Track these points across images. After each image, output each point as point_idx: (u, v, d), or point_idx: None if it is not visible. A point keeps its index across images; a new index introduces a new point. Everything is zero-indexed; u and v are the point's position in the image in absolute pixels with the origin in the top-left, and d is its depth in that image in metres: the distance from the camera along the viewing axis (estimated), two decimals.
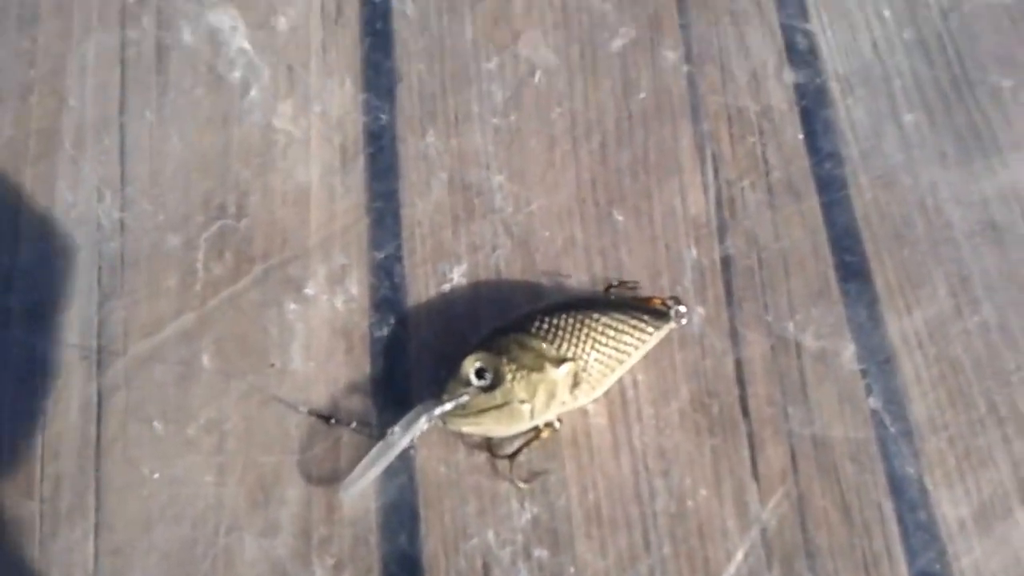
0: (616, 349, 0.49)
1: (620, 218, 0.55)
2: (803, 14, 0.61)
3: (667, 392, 0.51)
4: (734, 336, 0.52)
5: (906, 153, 0.57)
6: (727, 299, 0.53)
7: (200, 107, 0.57)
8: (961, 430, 0.50)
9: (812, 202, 0.56)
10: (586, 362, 0.48)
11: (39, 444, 0.48)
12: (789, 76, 0.59)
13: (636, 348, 0.50)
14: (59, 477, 0.48)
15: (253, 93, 0.57)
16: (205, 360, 0.50)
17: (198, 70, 0.58)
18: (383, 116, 0.57)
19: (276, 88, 0.58)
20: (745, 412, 0.50)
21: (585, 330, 0.49)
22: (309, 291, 0.52)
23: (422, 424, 0.46)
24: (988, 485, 0.49)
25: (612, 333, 0.49)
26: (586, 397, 0.49)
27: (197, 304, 0.51)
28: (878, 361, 0.51)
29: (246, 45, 0.59)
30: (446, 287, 0.53)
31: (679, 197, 0.56)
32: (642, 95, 0.58)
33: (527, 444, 0.49)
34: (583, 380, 0.48)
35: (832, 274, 0.54)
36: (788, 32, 0.61)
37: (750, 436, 0.50)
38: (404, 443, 0.47)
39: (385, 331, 0.51)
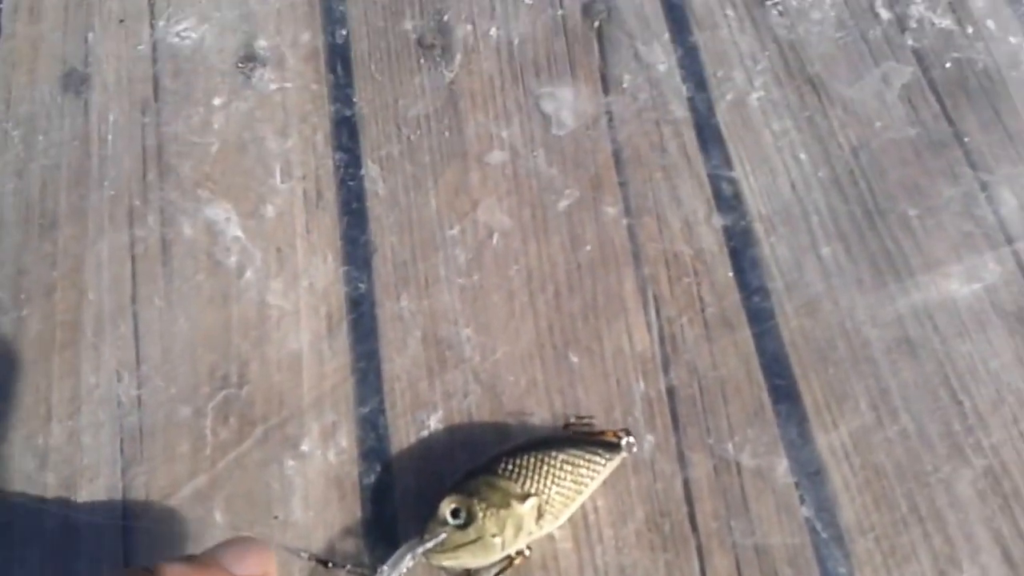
0: (574, 482, 0.58)
1: (575, 359, 0.64)
2: (727, 163, 0.72)
3: (624, 514, 0.59)
4: (681, 459, 0.61)
5: (826, 282, 0.67)
6: (673, 426, 0.62)
7: (202, 290, 0.67)
8: (886, 530, 0.58)
9: (744, 333, 0.65)
10: (548, 495, 0.57)
11: None
12: (718, 220, 0.69)
13: (592, 479, 0.59)
14: None
15: (248, 274, 0.67)
16: (217, 516, 0.59)
17: (199, 258, 0.68)
18: (362, 285, 0.67)
19: (268, 268, 0.68)
20: (694, 527, 0.59)
21: (545, 468, 0.58)
22: (305, 447, 0.61)
23: (407, 561, 0.55)
24: None
25: (570, 468, 0.58)
26: (550, 526, 0.57)
27: (208, 466, 0.61)
28: (809, 473, 0.60)
29: (239, 233, 0.69)
30: (424, 433, 0.62)
31: (626, 336, 0.65)
32: (588, 247, 0.68)
33: (502, 572, 0.57)
34: (547, 511, 0.57)
35: (765, 397, 0.63)
36: (715, 181, 0.71)
37: (699, 549, 0.58)
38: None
39: (373, 478, 0.60)
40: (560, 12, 0.79)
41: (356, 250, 0.69)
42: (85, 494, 0.60)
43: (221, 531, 0.59)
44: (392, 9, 0.79)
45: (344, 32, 0.77)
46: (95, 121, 0.74)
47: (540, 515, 0.57)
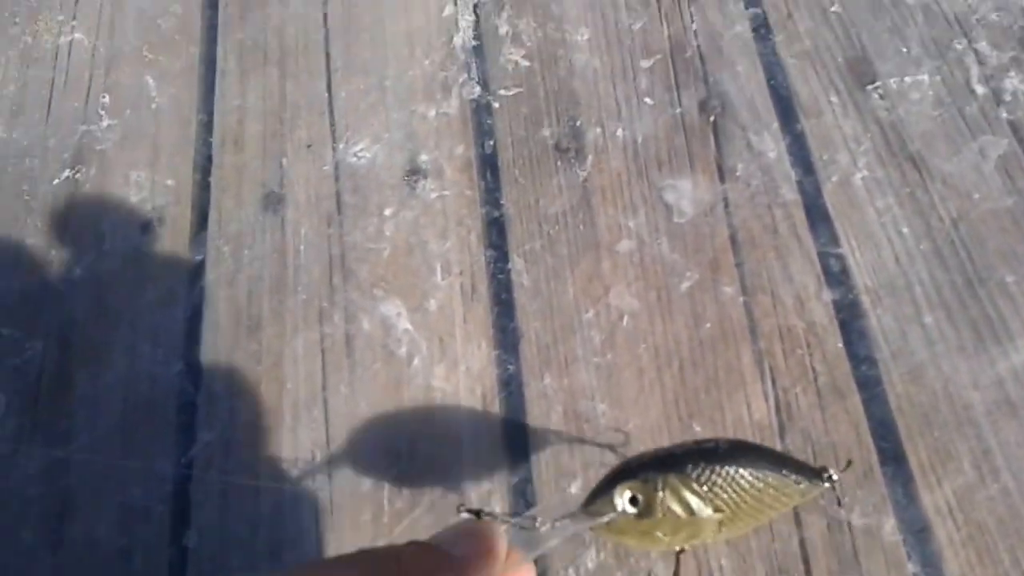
0: (768, 506, 0.51)
1: (699, 429, 0.67)
2: (835, 241, 0.73)
3: (746, 573, 0.62)
4: (797, 520, 0.63)
5: (930, 349, 0.68)
6: None
7: (379, 378, 0.74)
8: None
9: (854, 400, 0.67)
10: (733, 515, 0.50)
11: None
12: (827, 295, 0.71)
13: (784, 506, 0.52)
14: None
15: (416, 362, 0.74)
16: None
17: (375, 350, 0.75)
18: (511, 367, 0.72)
19: (432, 356, 0.74)
20: None
21: (739, 489, 0.50)
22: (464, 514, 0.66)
23: (568, 528, 0.49)
24: None
25: (764, 496, 0.51)
26: (722, 538, 0.52)
27: (386, 532, 0.67)
28: (915, 531, 0.61)
29: (408, 326, 0.75)
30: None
31: (745, 406, 0.68)
32: (708, 325, 0.72)
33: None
34: (724, 530, 0.51)
35: (874, 460, 0.65)
36: (823, 258, 0.73)
37: None
38: (553, 543, 0.48)
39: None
40: (679, 110, 0.82)
41: (506, 336, 0.74)
42: (288, 559, 0.67)
43: None
44: (532, 119, 0.84)
45: (492, 143, 0.83)
46: (290, 235, 0.81)
47: (718, 530, 0.51)
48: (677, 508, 0.50)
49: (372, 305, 0.77)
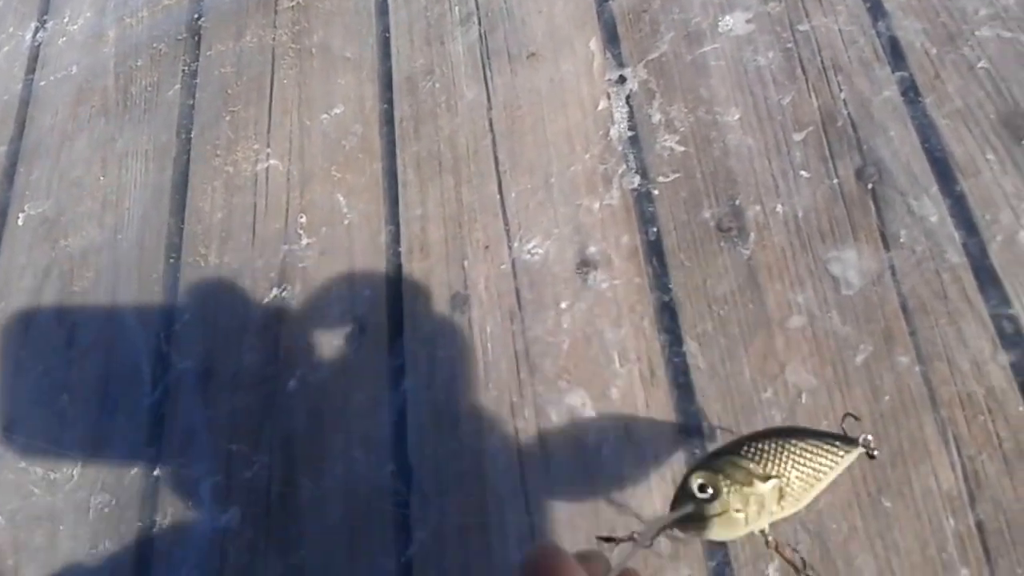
0: (814, 469, 0.58)
1: (888, 504, 0.68)
2: (1006, 301, 0.73)
3: None
4: None
5: None
6: (986, 558, 0.65)
7: (572, 467, 0.77)
8: None
9: None
10: (788, 479, 0.57)
11: None
12: (1003, 358, 0.71)
13: (830, 468, 0.58)
14: None
15: (604, 451, 0.77)
16: None
17: (566, 440, 0.79)
18: (696, 451, 0.75)
19: (619, 443, 0.77)
20: None
21: (786, 453, 0.58)
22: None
23: (657, 529, 0.55)
24: None
25: (809, 456, 0.58)
26: (790, 509, 0.58)
27: None
28: None
29: (594, 415, 0.79)
30: None
31: (933, 477, 0.69)
32: (887, 397, 0.72)
33: (790, 562, 0.61)
34: (787, 494, 0.57)
35: None
36: (996, 320, 0.73)
37: None
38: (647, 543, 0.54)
39: None
40: (836, 180, 0.83)
41: (688, 420, 0.76)
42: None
43: None
44: (692, 202, 0.87)
45: (655, 229, 0.86)
46: (477, 333, 0.86)
47: (781, 496, 0.57)
48: (740, 480, 0.55)
49: (558, 398, 0.81)
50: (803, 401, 0.73)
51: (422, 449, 0.82)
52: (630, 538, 0.56)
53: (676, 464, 0.74)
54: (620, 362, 0.80)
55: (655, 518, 0.59)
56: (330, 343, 0.90)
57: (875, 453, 0.61)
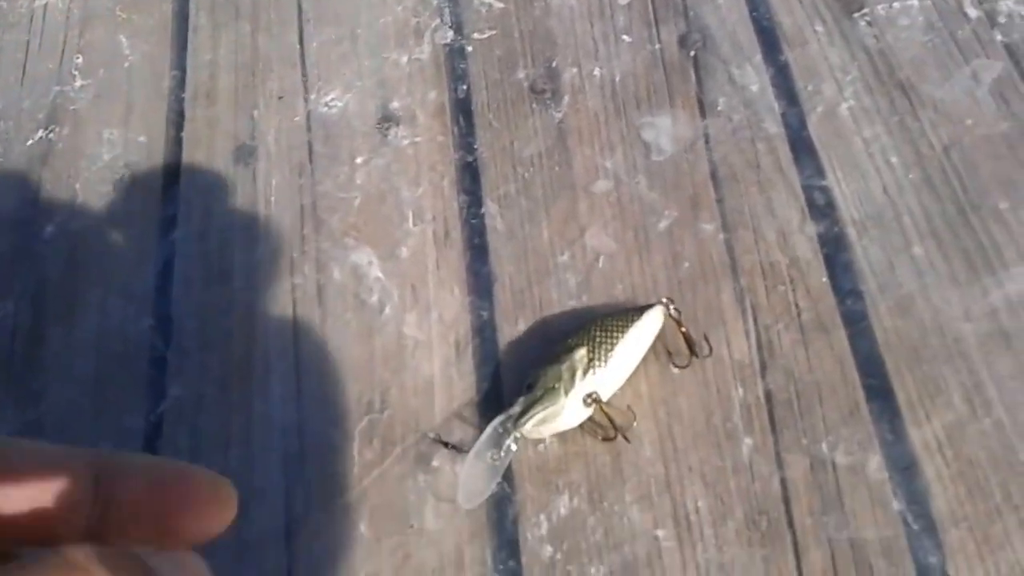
0: (613, 330, 0.62)
1: (676, 371, 0.63)
2: (820, 173, 0.69)
3: (724, 514, 0.58)
4: (778, 460, 0.59)
5: (919, 281, 0.63)
6: (771, 429, 0.60)
7: (350, 327, 0.69)
8: (980, 519, 0.54)
9: (839, 335, 0.62)
10: (592, 345, 0.61)
11: None
12: (811, 228, 0.67)
13: (627, 329, 0.62)
14: None
15: (387, 310, 0.69)
16: (362, 527, 0.61)
17: (347, 299, 0.71)
18: (484, 313, 0.68)
19: (404, 304, 0.70)
20: (790, 524, 0.57)
21: (588, 327, 0.63)
22: (436, 463, 0.63)
23: (507, 441, 0.59)
24: (1006, 566, 0.52)
25: (607, 324, 0.62)
26: (602, 371, 0.61)
27: (355, 483, 0.63)
28: (901, 468, 0.57)
29: (380, 274, 0.71)
30: (540, 447, 0.62)
31: (725, 345, 0.63)
32: (687, 264, 0.67)
33: (610, 420, 0.61)
34: (594, 358, 0.61)
35: (859, 396, 0.60)
36: (808, 191, 0.68)
37: (795, 544, 0.56)
38: (506, 462, 0.59)
39: (495, 488, 0.61)
40: (658, 46, 0.77)
41: (479, 281, 0.70)
42: (256, 514, 0.63)
43: (366, 540, 0.60)
44: (507, 62, 0.79)
45: (465, 87, 0.78)
46: (261, 187, 0.77)
47: (589, 360, 0.61)
48: (552, 361, 0.62)
49: (343, 254, 0.73)
50: (600, 265, 0.67)
51: (186, 302, 0.72)
52: (467, 451, 0.61)
53: (461, 327, 0.66)
54: (414, 221, 0.73)
55: (488, 427, 0.59)
56: (96, 189, 0.80)
57: (673, 309, 0.63)
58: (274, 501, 0.63)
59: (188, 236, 0.76)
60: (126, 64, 0.87)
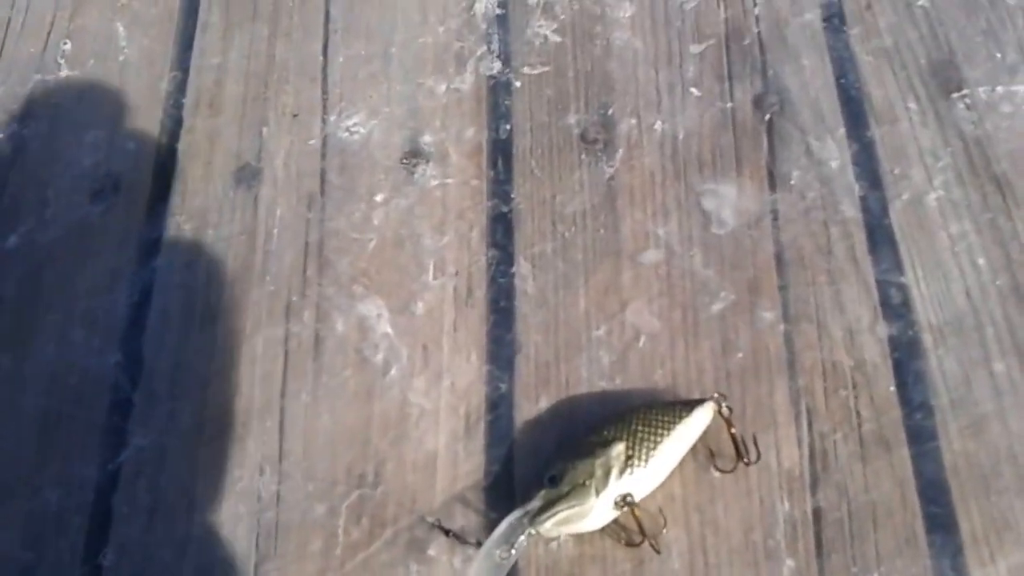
0: (657, 428, 0.66)
1: (717, 474, 0.69)
2: (898, 267, 0.75)
3: None
4: None
5: (996, 401, 0.69)
6: (817, 551, 0.66)
7: (348, 386, 0.76)
8: None
9: (902, 453, 0.68)
10: (632, 441, 0.66)
11: None
12: (883, 329, 0.73)
13: (673, 426, 0.66)
14: None
15: (393, 372, 0.76)
16: None
17: (348, 354, 0.77)
18: (502, 385, 0.74)
19: (412, 366, 0.76)
20: None
21: (628, 418, 0.67)
22: (432, 552, 0.68)
23: (519, 537, 0.63)
24: None
25: (651, 417, 0.67)
26: (640, 471, 0.66)
27: (336, 566, 0.69)
28: None
29: (389, 330, 0.78)
30: (553, 546, 0.68)
31: (774, 451, 0.70)
32: (740, 354, 0.73)
33: (639, 525, 0.66)
34: (633, 455, 0.65)
35: (919, 525, 0.66)
36: (883, 287, 0.74)
37: None
38: (513, 560, 0.64)
39: None
40: (730, 105, 0.84)
41: (501, 350, 0.76)
42: None
43: None
44: (557, 104, 0.87)
45: (508, 127, 0.86)
46: (263, 216, 0.84)
47: (628, 458, 0.65)
48: (583, 454, 0.66)
49: (349, 303, 0.79)
50: (640, 345, 0.74)
51: (162, 340, 0.79)
52: (476, 543, 0.68)
53: (475, 398, 0.73)
54: (434, 274, 0.80)
55: (504, 521, 0.64)
56: (71, 198, 0.87)
57: (724, 406, 0.68)
58: None
59: (172, 265, 0.83)
60: (121, 57, 0.95)
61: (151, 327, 0.80)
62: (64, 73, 0.93)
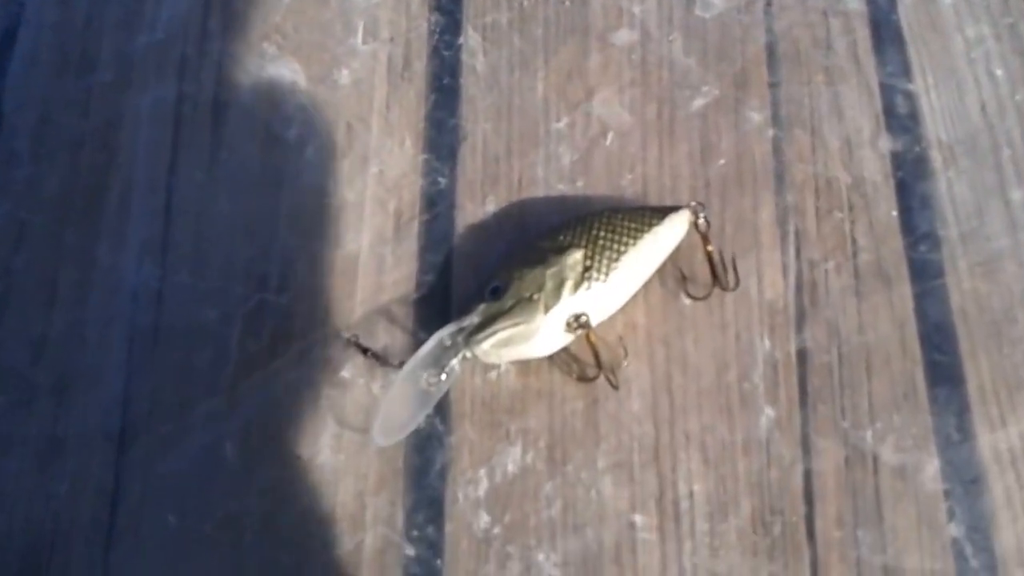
0: (622, 236, 0.50)
1: (687, 302, 0.52)
2: (906, 72, 0.58)
3: (725, 505, 0.48)
4: (805, 444, 0.49)
5: (1012, 236, 0.54)
6: (800, 400, 0.51)
7: (252, 166, 0.56)
8: None
9: (904, 290, 0.53)
10: (593, 249, 0.49)
11: (50, 529, 0.48)
12: (886, 143, 0.57)
13: (641, 235, 0.50)
14: (67, 564, 0.48)
15: (308, 152, 0.56)
16: (228, 448, 0.49)
17: (254, 127, 0.57)
18: (442, 179, 0.56)
19: (333, 147, 0.56)
20: (811, 534, 0.47)
21: (589, 222, 0.50)
22: (346, 374, 0.51)
23: (451, 361, 0.48)
24: None
25: (616, 223, 0.50)
26: (600, 285, 0.49)
27: (228, 385, 0.51)
28: (964, 481, 0.48)
29: (304, 101, 0.57)
30: (492, 375, 0.50)
31: (755, 278, 0.54)
32: (722, 161, 0.56)
33: (595, 354, 0.50)
34: (592, 267, 0.49)
35: (920, 375, 0.52)
36: (887, 93, 0.58)
37: (813, 563, 0.47)
38: (443, 388, 0.48)
39: (424, 424, 0.49)
40: None
41: (442, 136, 0.57)
42: (80, 401, 0.51)
43: (232, 467, 0.48)
44: None
45: None
46: None
47: (585, 268, 0.49)
48: (533, 262, 0.50)
49: (259, 64, 0.59)
50: (607, 143, 0.56)
51: (26, 90, 0.61)
52: (396, 363, 0.50)
53: (407, 193, 0.55)
54: (364, 37, 0.61)
55: (432, 338, 0.47)
56: None
57: (702, 218, 0.51)
58: (107, 393, 0.51)
59: (44, 1, 0.60)
60: None
61: (13, 72, 0.59)
62: None
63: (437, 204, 0.55)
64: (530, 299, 0.49)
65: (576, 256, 0.50)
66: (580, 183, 0.56)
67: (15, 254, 0.54)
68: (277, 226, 0.55)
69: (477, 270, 0.54)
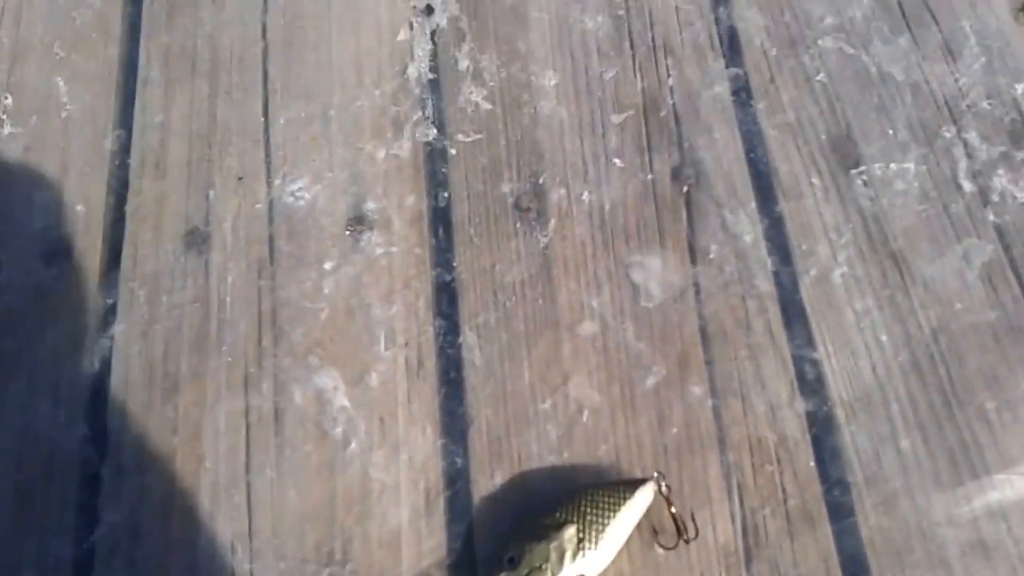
0: (604, 510, 0.62)
1: (660, 551, 0.63)
2: (811, 343, 0.70)
3: None
4: None
5: (904, 477, 0.65)
6: None
7: (310, 461, 0.68)
8: None
9: (824, 529, 0.64)
10: (583, 523, 0.61)
11: None
12: (800, 405, 0.68)
13: (618, 508, 0.62)
14: None
15: (353, 446, 0.68)
16: None
17: (308, 428, 0.69)
18: (458, 460, 0.67)
19: (371, 440, 0.68)
20: None
21: (577, 500, 0.62)
22: None
23: None
24: None
25: (598, 499, 0.62)
26: (592, 553, 0.61)
27: None
28: None
29: (346, 402, 0.69)
30: None
31: (710, 527, 0.64)
32: (675, 429, 0.67)
33: None
34: (584, 538, 0.61)
35: None
36: (798, 362, 0.70)
37: None
38: None
39: None
40: (650, 176, 0.78)
41: (454, 422, 0.69)
42: None
43: None
44: (491, 171, 0.79)
45: (446, 195, 0.78)
46: (215, 282, 0.74)
47: (579, 540, 0.61)
48: (539, 537, 0.61)
49: (306, 375, 0.71)
50: (584, 419, 0.67)
51: (126, 411, 0.69)
52: None
53: (432, 473, 0.65)
54: (385, 344, 0.72)
55: None
56: (23, 264, 0.74)
57: (664, 485, 0.63)
58: None
59: (129, 333, 0.73)
60: (63, 114, 0.83)
61: (114, 398, 0.70)
62: (7, 129, 0.80)
63: (456, 482, 0.67)
64: (540, 568, 0.60)
65: (571, 531, 0.61)
66: (566, 455, 0.67)
67: (135, 551, 0.65)
68: (335, 510, 0.66)
69: (494, 536, 0.65)
